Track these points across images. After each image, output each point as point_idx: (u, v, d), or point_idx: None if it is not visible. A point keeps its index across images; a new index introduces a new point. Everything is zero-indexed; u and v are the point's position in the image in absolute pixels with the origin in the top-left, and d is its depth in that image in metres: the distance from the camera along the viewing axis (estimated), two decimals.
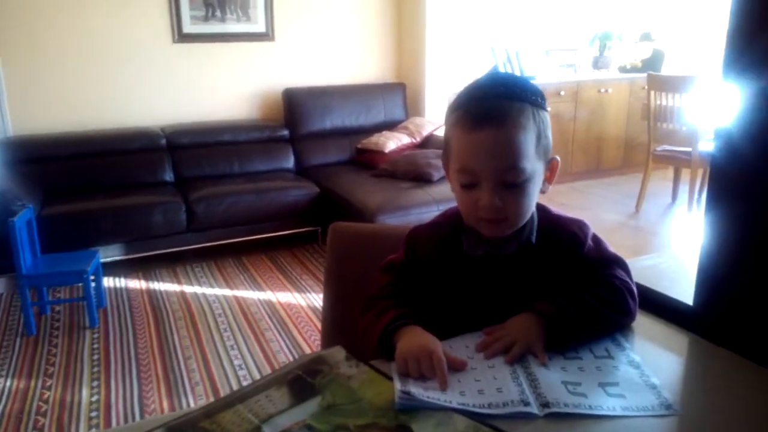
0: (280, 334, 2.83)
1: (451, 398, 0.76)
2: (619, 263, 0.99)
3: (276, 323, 2.93)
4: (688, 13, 5.56)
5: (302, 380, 0.79)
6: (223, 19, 4.18)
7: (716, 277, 0.95)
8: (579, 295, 0.92)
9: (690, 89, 4.16)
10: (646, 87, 4.48)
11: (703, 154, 4.16)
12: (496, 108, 0.88)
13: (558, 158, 0.96)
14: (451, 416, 0.72)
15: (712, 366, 0.90)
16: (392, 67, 4.75)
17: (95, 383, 2.46)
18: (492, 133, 0.87)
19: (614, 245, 1.03)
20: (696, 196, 4.41)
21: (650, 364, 0.84)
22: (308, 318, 2.98)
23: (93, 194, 3.54)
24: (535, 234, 0.97)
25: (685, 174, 4.62)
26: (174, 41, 4.04)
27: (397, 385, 0.78)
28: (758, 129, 0.88)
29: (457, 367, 0.83)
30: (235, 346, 2.74)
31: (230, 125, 4.17)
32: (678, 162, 4.51)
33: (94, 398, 2.36)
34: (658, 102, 4.36)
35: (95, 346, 2.76)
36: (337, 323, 1.31)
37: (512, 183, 0.89)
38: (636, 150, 5.40)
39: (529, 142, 0.89)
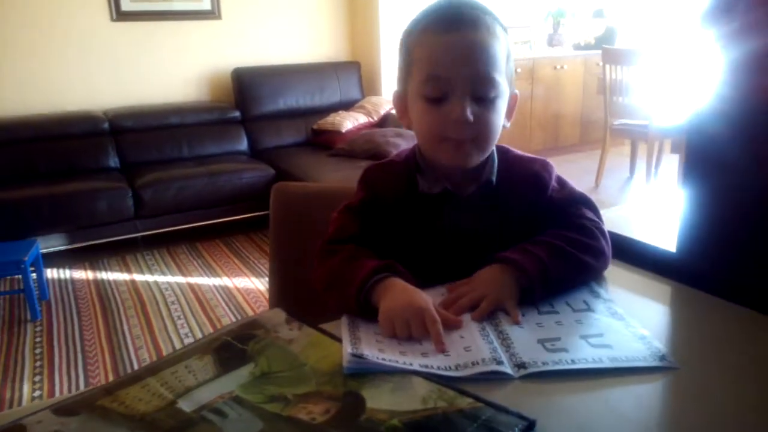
0: (238, 320, 2.69)
1: (411, 360, 0.65)
2: (586, 203, 0.90)
3: (233, 309, 2.80)
4: None
5: (231, 347, 0.66)
6: None
7: (701, 223, 0.88)
8: (550, 240, 0.83)
9: (643, 62, 4.17)
10: (601, 61, 4.47)
11: (658, 128, 4.19)
12: (469, 13, 0.82)
13: (518, 92, 0.89)
14: (410, 380, 0.60)
15: (700, 314, 0.81)
16: (346, 45, 4.61)
17: (37, 378, 2.29)
18: (468, 35, 0.81)
19: None
20: (653, 169, 4.46)
21: (634, 315, 0.75)
22: (267, 303, 2.85)
23: (31, 181, 3.32)
24: (495, 174, 0.89)
25: (642, 149, 4.67)
26: (113, 19, 3.81)
27: (347, 347, 0.66)
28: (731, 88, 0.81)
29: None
30: (190, 334, 2.59)
31: (178, 107, 3.97)
32: (634, 136, 4.53)
33: (36, 393, 2.20)
34: (613, 76, 4.36)
35: (38, 339, 2.57)
36: (285, 291, 1.19)
37: (484, 96, 0.82)
38: (593, 126, 5.42)
39: (501, 53, 0.83)
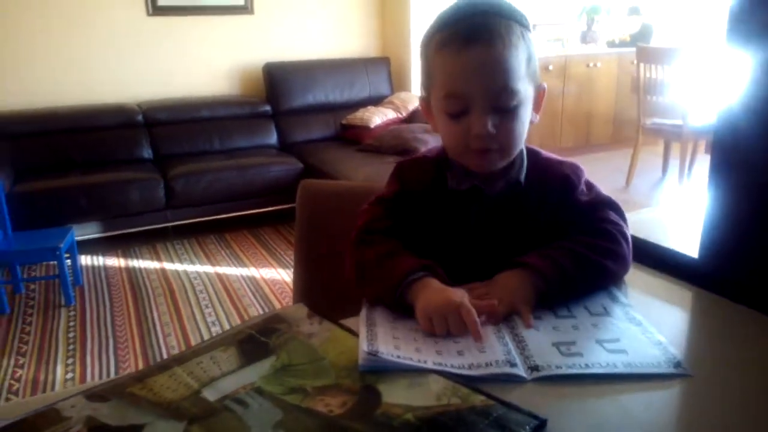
0: (264, 310, 2.74)
1: (425, 358, 0.66)
2: (612, 206, 0.91)
3: (260, 299, 2.85)
4: None
5: (254, 340, 0.69)
6: None
7: (724, 228, 0.87)
8: (571, 245, 0.84)
9: (679, 61, 4.09)
10: (636, 60, 4.40)
11: (692, 128, 4.10)
12: (484, 25, 0.81)
13: (545, 86, 0.89)
14: (425, 376, 0.62)
15: (721, 321, 0.80)
16: (376, 40, 4.63)
17: (70, 361, 2.37)
18: (482, 51, 0.80)
19: None
20: (686, 170, 4.37)
21: (653, 321, 0.75)
22: (292, 293, 2.89)
23: (67, 171, 3.43)
24: (524, 174, 0.90)
25: (675, 149, 4.57)
26: (149, 14, 3.90)
27: (363, 345, 0.67)
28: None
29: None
30: (216, 322, 2.65)
31: (210, 101, 4.05)
32: (668, 135, 4.45)
33: (69, 375, 2.27)
34: (648, 75, 4.28)
35: (71, 324, 2.66)
36: (309, 287, 1.23)
37: (504, 107, 0.82)
38: (625, 125, 5.33)
39: (520, 61, 0.82)
